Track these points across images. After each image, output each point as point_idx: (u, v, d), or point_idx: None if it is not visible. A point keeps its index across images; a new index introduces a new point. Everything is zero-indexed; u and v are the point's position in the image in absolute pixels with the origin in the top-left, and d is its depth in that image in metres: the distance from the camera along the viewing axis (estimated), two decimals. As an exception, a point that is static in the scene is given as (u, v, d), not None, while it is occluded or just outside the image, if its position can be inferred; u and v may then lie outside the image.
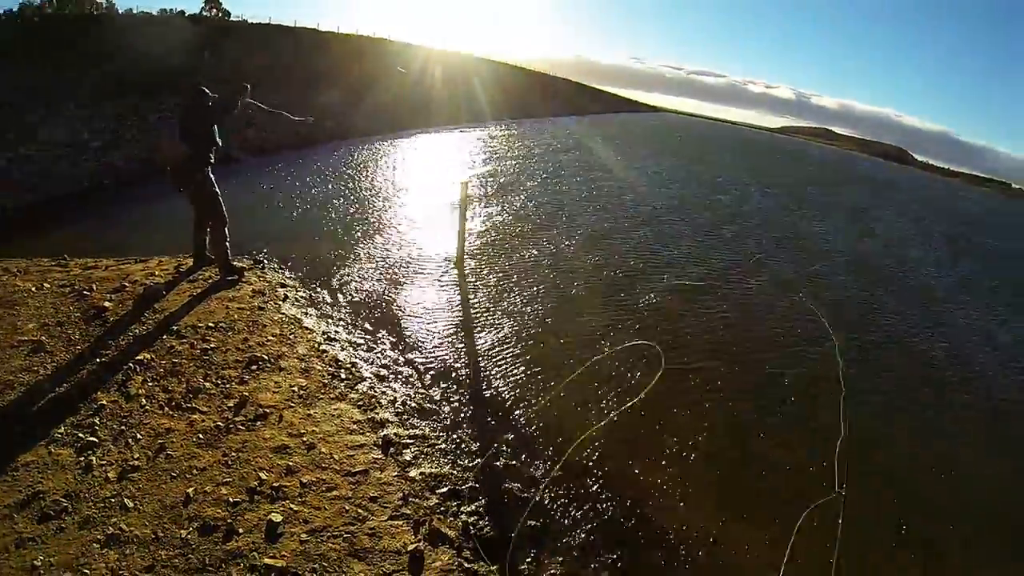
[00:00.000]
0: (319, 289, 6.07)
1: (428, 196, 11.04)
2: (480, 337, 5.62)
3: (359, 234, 8.32)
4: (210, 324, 4.55)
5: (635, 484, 3.94)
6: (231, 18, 27.47)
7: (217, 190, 5.20)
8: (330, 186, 11.22)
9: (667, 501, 3.83)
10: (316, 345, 4.71)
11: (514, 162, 16.55)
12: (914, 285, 10.81)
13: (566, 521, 3.51)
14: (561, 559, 3.22)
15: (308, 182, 11.36)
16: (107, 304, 4.51)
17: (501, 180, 13.75)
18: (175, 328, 4.39)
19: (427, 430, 4.08)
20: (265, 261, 6.41)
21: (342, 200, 10.21)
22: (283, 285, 5.73)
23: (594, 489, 3.82)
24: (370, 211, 9.68)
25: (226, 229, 5.32)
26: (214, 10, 31.50)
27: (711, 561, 3.41)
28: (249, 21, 23.79)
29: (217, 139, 5.11)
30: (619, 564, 3.28)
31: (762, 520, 3.76)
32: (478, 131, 23.47)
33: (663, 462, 4.19)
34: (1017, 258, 18.10)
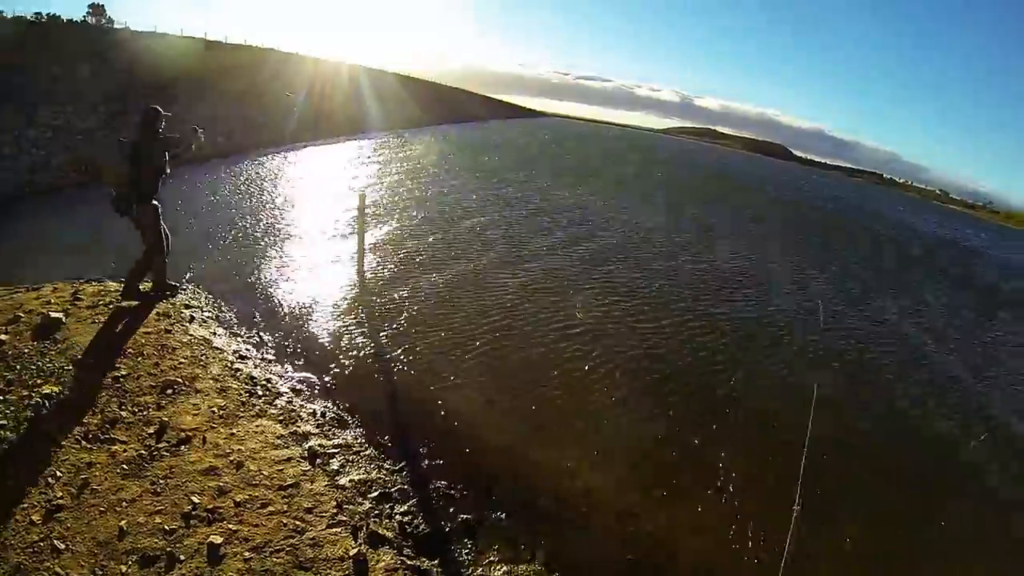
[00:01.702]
0: (225, 308, 6.00)
1: (325, 208, 11.11)
2: (388, 344, 5.91)
3: (259, 250, 8.25)
4: (118, 351, 4.39)
5: (561, 475, 4.42)
6: (116, 26, 24.14)
7: (160, 218, 5.14)
8: (224, 202, 10.89)
9: (601, 495, 4.27)
10: (229, 364, 4.72)
11: (400, 174, 16.77)
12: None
13: (499, 513, 3.91)
14: (497, 548, 3.63)
15: (200, 199, 10.84)
16: (2, 337, 4.18)
17: (394, 189, 14.20)
18: (81, 358, 4.19)
19: (349, 438, 4.32)
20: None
21: (238, 216, 9.94)
22: (188, 306, 5.56)
23: (522, 480, 4.28)
24: (267, 226, 9.55)
25: (165, 256, 5.37)
26: (98, 18, 27.10)
27: (630, 540, 3.98)
28: (132, 30, 21.23)
29: (167, 168, 5.02)
30: (553, 551, 3.68)
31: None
32: (368, 141, 23.72)
33: (596, 460, 4.64)
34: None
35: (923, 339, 9.16)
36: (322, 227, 9.78)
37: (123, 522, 3.07)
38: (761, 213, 22.58)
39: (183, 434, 3.75)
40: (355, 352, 5.57)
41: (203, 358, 4.66)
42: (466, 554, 3.55)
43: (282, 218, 10.20)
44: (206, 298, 6.12)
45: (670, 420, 5.29)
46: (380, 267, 8.17)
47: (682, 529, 4.02)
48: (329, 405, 4.68)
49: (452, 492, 4.00)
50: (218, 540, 3.08)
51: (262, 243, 8.63)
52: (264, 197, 11.78)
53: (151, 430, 3.72)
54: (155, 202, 5.04)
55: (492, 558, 3.55)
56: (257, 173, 14.52)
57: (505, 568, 3.47)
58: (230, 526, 3.20)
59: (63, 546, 2.89)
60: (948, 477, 5.41)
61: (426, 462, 4.26)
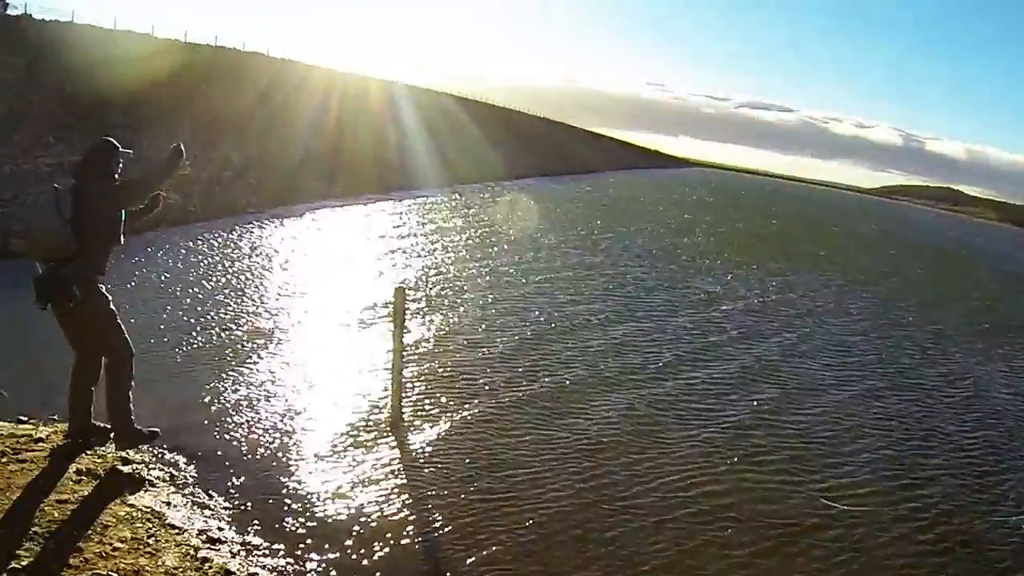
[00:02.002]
0: (184, 463, 4.03)
1: (343, 305, 8.45)
2: (434, 519, 3.94)
3: (239, 366, 6.06)
4: (18, 531, 2.64)
5: None
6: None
7: (114, 309, 3.39)
8: (188, 289, 8.52)
9: None
10: (193, 551, 2.93)
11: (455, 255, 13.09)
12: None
13: None
14: None
15: (151, 282, 8.54)
16: None
17: (445, 282, 10.57)
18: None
19: None
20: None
21: (210, 311, 7.70)
22: (126, 461, 3.71)
23: None
24: (253, 327, 7.33)
25: (131, 369, 3.47)
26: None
27: None
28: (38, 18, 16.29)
29: (122, 233, 3.44)
30: None
31: None
32: (407, 202, 18.46)
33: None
34: None
35: None
36: (339, 330, 7.52)
37: None
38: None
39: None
40: (387, 534, 3.71)
41: (151, 541, 2.82)
42: None
43: (278, 314, 7.91)
44: (155, 447, 4.06)
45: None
46: (424, 398, 5.79)
47: None
48: None
49: None
50: None
51: (244, 354, 6.39)
52: (250, 281, 9.31)
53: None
54: (101, 287, 3.36)
55: None
56: (237, 244, 11.66)
57: None
58: None
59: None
60: None
61: None
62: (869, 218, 52.16)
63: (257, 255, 11.44)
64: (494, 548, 3.66)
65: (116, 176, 3.45)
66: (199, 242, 11.76)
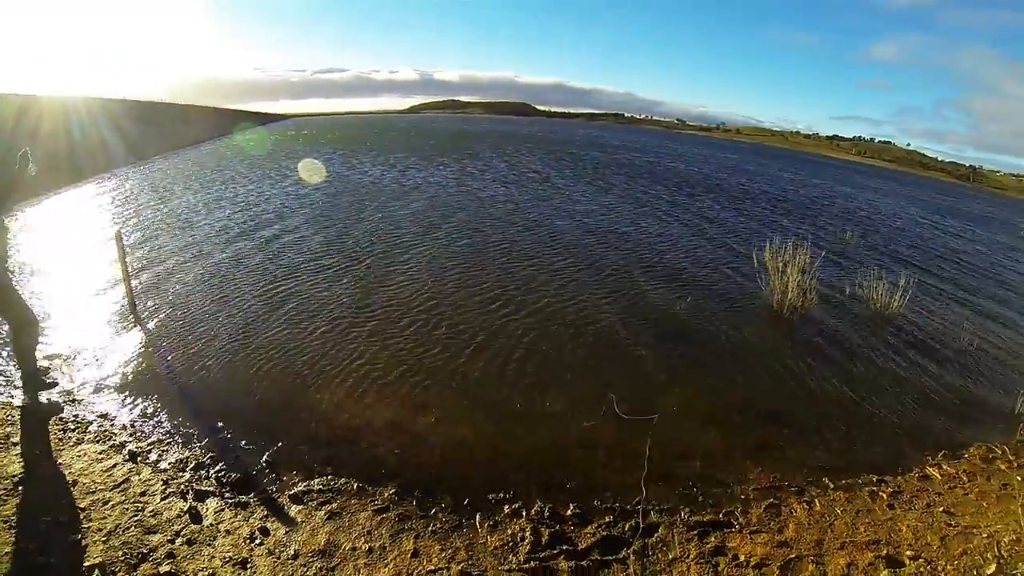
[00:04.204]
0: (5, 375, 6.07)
1: (79, 259, 10.31)
2: (163, 348, 6.77)
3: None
4: None
5: (327, 409, 5.66)
6: None
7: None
8: None
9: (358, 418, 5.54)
10: (34, 412, 5.19)
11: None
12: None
13: (290, 448, 5.00)
14: (295, 471, 4.72)
15: None
16: None
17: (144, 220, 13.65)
18: None
19: (158, 436, 5.08)
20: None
21: None
22: None
23: (299, 422, 5.43)
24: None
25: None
26: None
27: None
28: None
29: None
30: (336, 462, 4.86)
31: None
32: (106, 181, 20.35)
33: (350, 390, 5.92)
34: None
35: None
36: (84, 278, 9.24)
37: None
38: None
39: (16, 478, 4.29)
40: (139, 371, 6.26)
41: (10, 417, 5.04)
42: (273, 482, 4.58)
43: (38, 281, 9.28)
44: None
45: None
46: (159, 304, 8.29)
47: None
48: (135, 417, 5.36)
49: (251, 446, 5.01)
50: (77, 537, 3.86)
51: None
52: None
53: (-15, 484, 4.20)
54: None
55: (292, 479, 4.62)
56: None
57: (303, 483, 4.58)
58: (83, 525, 3.95)
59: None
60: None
61: (225, 432, 5.20)
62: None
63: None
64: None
65: None
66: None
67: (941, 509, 4.73)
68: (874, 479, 5.11)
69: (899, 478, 5.17)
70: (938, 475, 5.26)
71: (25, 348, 5.36)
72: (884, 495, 4.87)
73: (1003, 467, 5.43)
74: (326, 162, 25.97)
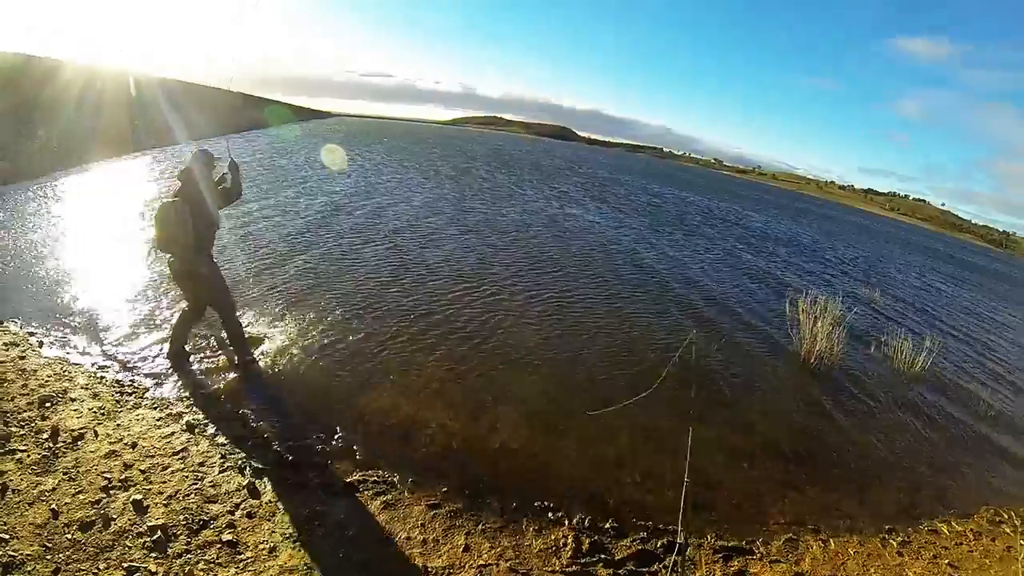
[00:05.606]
0: (66, 330, 6.16)
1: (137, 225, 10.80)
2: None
3: (79, 272, 8.02)
4: None
5: (382, 404, 5.78)
6: None
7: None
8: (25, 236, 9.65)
9: (417, 418, 5.88)
10: (93, 373, 5.26)
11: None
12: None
13: (344, 435, 5.16)
14: (348, 457, 4.86)
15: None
16: None
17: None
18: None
19: (218, 411, 5.18)
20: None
21: (43, 247, 9.05)
22: (32, 333, 5.76)
23: (356, 413, 5.58)
24: (82, 253, 8.94)
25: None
26: None
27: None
28: None
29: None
30: (392, 454, 5.04)
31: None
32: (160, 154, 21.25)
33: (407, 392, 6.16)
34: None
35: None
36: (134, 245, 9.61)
37: (52, 505, 3.76)
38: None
39: (75, 433, 4.39)
40: (201, 349, 6.34)
41: (66, 373, 5.12)
42: (330, 469, 4.71)
43: (98, 244, 9.60)
44: (46, 325, 6.17)
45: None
46: None
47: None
48: (194, 389, 5.45)
49: (308, 433, 5.14)
50: (139, 497, 3.97)
51: (86, 267, 8.35)
52: (67, 228, 10.47)
53: (45, 435, 4.28)
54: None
55: (349, 469, 4.75)
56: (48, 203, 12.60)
57: (359, 473, 4.71)
58: (144, 486, 4.07)
59: (7, 536, 3.49)
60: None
61: (284, 418, 5.31)
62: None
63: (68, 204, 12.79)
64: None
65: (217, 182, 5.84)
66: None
67: (946, 562, 4.98)
68: (886, 527, 5.36)
69: (909, 529, 5.43)
70: (947, 530, 5.51)
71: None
72: (894, 543, 5.12)
73: (1008, 531, 5.70)
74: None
